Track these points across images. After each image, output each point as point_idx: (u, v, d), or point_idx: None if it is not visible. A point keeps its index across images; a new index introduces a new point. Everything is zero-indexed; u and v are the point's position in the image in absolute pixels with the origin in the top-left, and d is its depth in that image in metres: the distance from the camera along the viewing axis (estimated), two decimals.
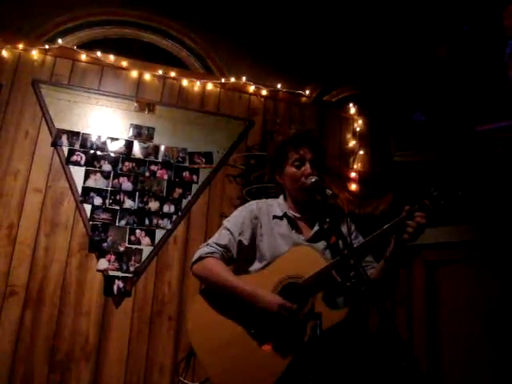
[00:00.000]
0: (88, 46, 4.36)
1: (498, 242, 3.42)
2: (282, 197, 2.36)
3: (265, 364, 1.97)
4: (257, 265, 2.20)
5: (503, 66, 3.01)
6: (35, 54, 3.91)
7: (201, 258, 2.21)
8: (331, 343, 1.89)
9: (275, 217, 2.26)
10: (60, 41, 4.04)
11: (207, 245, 2.25)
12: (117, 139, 3.95)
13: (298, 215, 2.27)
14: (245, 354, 2.02)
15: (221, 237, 2.25)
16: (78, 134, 3.87)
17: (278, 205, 2.32)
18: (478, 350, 3.23)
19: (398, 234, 1.97)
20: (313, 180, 2.12)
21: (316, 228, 2.23)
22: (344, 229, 2.13)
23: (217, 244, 2.23)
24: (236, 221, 2.27)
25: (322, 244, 2.19)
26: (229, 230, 2.25)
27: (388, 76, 4.61)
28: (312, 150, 2.23)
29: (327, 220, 2.17)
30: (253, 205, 2.34)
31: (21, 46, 3.90)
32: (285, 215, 2.26)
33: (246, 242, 2.23)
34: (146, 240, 3.80)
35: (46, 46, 3.95)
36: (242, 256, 2.26)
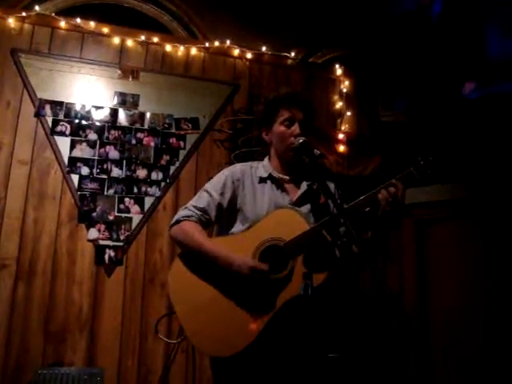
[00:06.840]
0: (67, 13, 4.22)
1: (486, 199, 3.46)
2: (266, 158, 2.34)
3: (240, 327, 2.00)
4: (239, 227, 2.18)
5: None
6: (12, 22, 3.79)
7: (178, 222, 2.21)
8: (315, 304, 1.89)
9: (261, 178, 2.24)
10: (37, 8, 3.92)
11: (185, 208, 2.23)
12: (101, 108, 3.89)
13: (284, 177, 2.25)
14: (221, 316, 2.04)
15: (200, 199, 2.23)
16: (61, 103, 3.80)
17: (263, 166, 2.29)
18: (465, 298, 3.36)
19: (381, 203, 1.98)
20: (300, 141, 2.11)
21: (303, 189, 2.22)
22: (332, 189, 2.13)
23: (195, 207, 2.21)
24: (217, 181, 2.25)
25: (305, 208, 2.18)
26: (208, 192, 2.23)
27: (374, 36, 4.55)
28: (303, 112, 2.21)
29: (316, 181, 2.17)
30: (236, 167, 2.32)
31: None
32: (270, 177, 2.24)
33: (225, 205, 2.21)
34: (135, 208, 3.79)
35: (23, 14, 3.83)
36: (224, 218, 2.24)
